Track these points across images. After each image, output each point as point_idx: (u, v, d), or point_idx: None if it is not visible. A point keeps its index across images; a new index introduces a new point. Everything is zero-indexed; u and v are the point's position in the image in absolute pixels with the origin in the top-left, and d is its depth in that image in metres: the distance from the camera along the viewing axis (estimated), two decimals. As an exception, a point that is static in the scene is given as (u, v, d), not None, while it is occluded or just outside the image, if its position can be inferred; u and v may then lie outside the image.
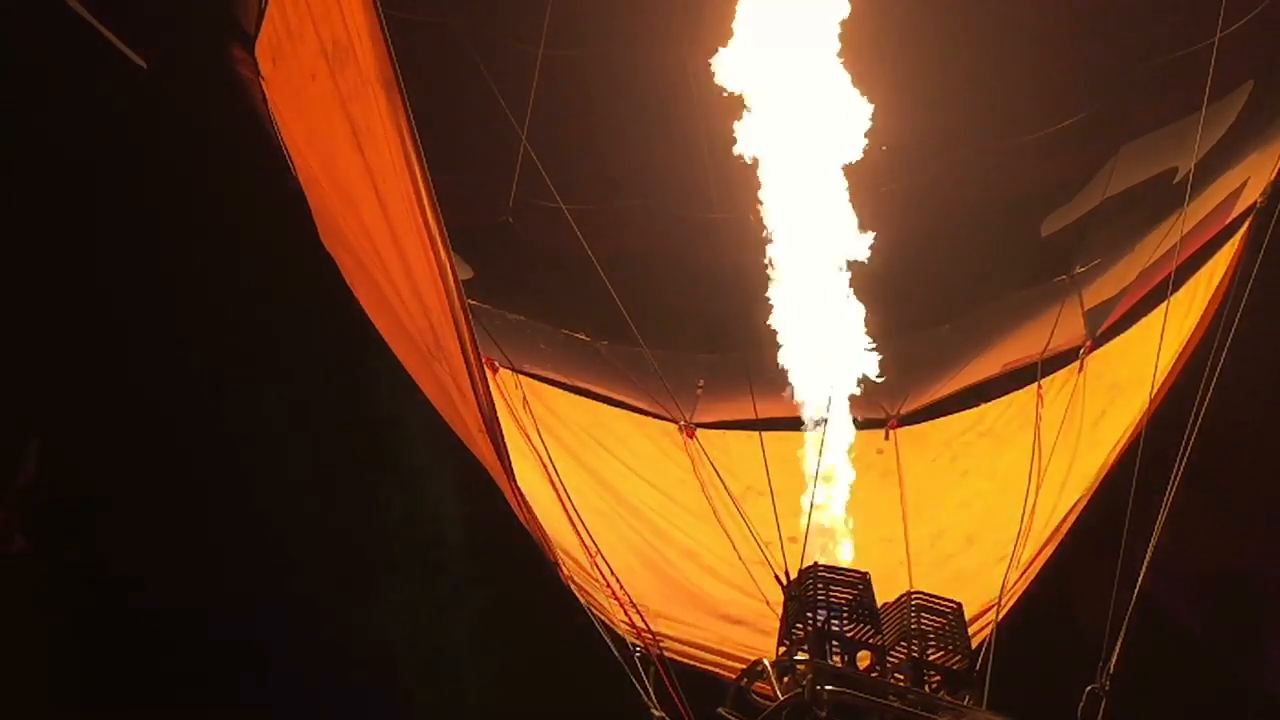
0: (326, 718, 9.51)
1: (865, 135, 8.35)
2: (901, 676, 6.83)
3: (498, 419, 7.18)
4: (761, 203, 8.36)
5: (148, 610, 9.17)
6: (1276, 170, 7.85)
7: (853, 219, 8.29)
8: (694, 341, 9.31)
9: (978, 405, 9.34)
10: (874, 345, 8.30)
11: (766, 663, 6.88)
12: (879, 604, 6.95)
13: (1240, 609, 10.59)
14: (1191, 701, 10.08)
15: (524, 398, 8.44)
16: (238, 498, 9.53)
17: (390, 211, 6.78)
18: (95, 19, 7.68)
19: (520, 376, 8.72)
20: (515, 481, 7.35)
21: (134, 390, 9.26)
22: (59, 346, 9.06)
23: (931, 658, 6.83)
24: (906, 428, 9.39)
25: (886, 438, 9.31)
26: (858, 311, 8.24)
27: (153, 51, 7.76)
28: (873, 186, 8.42)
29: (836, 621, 6.81)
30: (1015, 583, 7.87)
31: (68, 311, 9.12)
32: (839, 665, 6.78)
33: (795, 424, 8.25)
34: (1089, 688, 6.96)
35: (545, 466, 7.76)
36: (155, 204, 9.03)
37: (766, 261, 8.30)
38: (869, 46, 8.38)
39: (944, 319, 9.44)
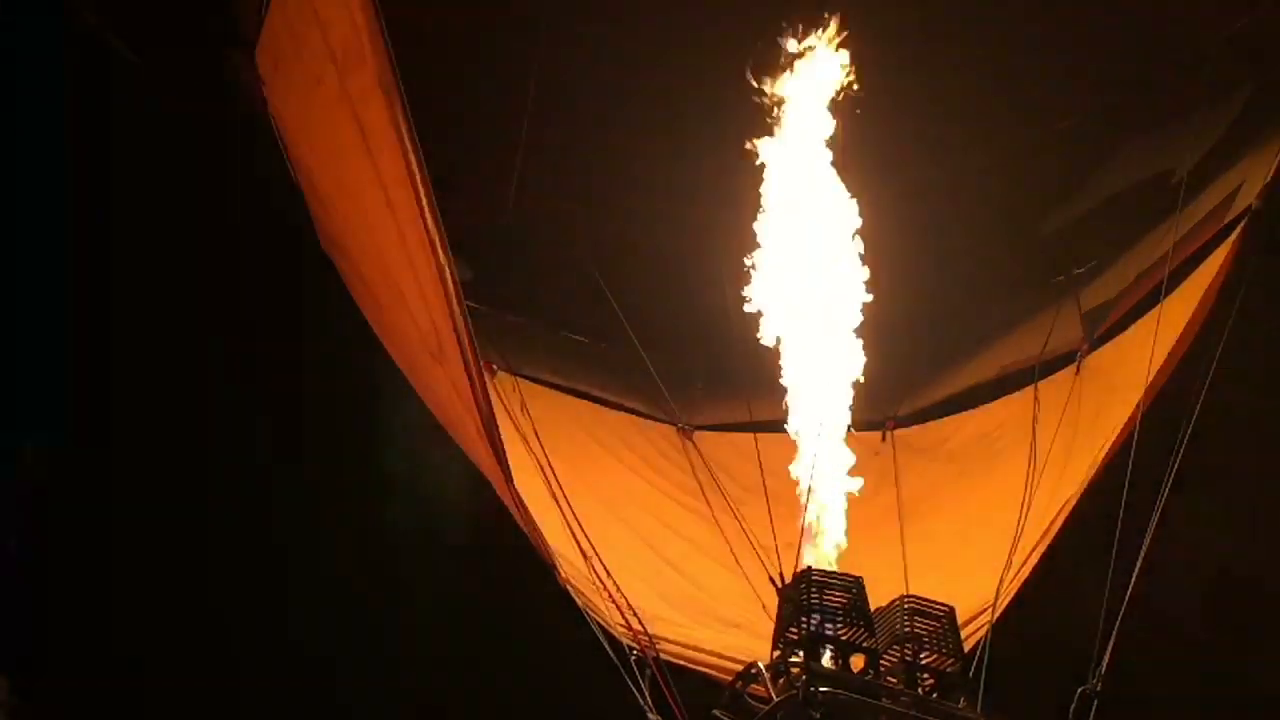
0: (322, 716, 9.54)
1: (863, 137, 8.36)
2: (895, 680, 6.86)
3: (496, 422, 7.21)
4: (759, 203, 8.39)
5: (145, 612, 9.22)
6: (1272, 173, 7.84)
7: (850, 220, 8.30)
8: (693, 343, 9.34)
9: (974, 408, 9.35)
10: (871, 346, 8.31)
11: (761, 665, 6.91)
12: (873, 607, 6.97)
13: (1240, 609, 10.57)
14: (1191, 701, 10.08)
15: (522, 400, 8.45)
16: (236, 502, 9.57)
17: (399, 214, 6.82)
18: (96, 21, 7.72)
19: (519, 379, 8.74)
20: (513, 484, 7.38)
21: (131, 392, 9.30)
22: (56, 347, 9.11)
23: (925, 661, 6.85)
24: (903, 430, 9.42)
25: (883, 440, 9.34)
26: (856, 312, 8.25)
27: (153, 55, 7.80)
28: (871, 188, 8.43)
29: (830, 625, 6.83)
30: (1009, 583, 7.88)
31: (64, 312, 9.16)
32: (833, 668, 6.80)
33: (793, 426, 8.27)
34: (1080, 689, 6.99)
35: (543, 469, 7.77)
36: (155, 205, 9.06)
37: (764, 262, 8.32)
38: (869, 47, 8.40)
39: (941, 320, 9.46)
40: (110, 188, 8.92)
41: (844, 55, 8.35)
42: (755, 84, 8.40)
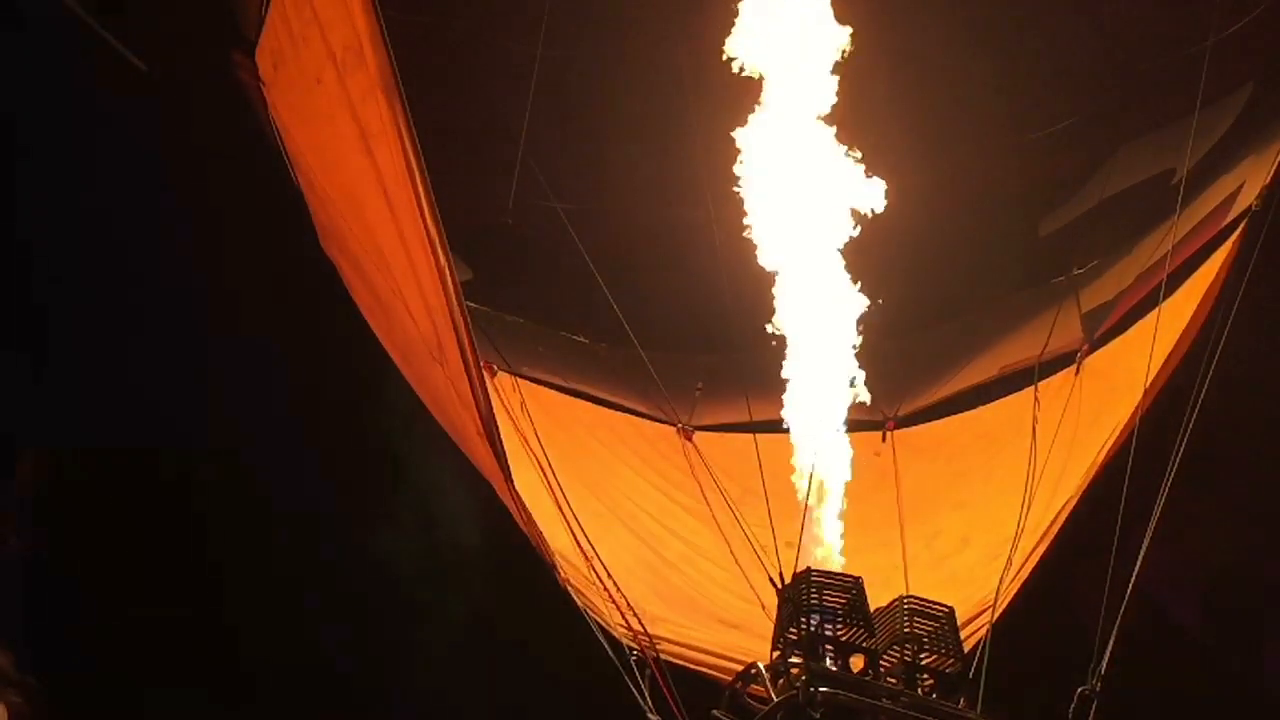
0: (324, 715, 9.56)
1: (862, 135, 8.36)
2: (895, 680, 6.86)
3: (495, 422, 7.22)
4: (758, 204, 8.38)
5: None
6: (1271, 174, 7.84)
7: (850, 220, 8.30)
8: (692, 344, 9.34)
9: (975, 408, 9.35)
10: (871, 347, 8.31)
11: (760, 665, 6.91)
12: (873, 607, 6.97)
13: (1240, 609, 10.58)
14: (1192, 702, 10.08)
15: (522, 401, 8.46)
16: (239, 501, 9.58)
17: (399, 214, 6.83)
18: (96, 23, 7.72)
19: (518, 379, 8.74)
20: (513, 485, 7.38)
21: (133, 392, 9.30)
22: (57, 346, 9.12)
23: (924, 661, 6.85)
24: (904, 430, 9.41)
25: (884, 440, 9.32)
26: (855, 313, 8.25)
27: (153, 55, 7.80)
28: (871, 187, 8.43)
29: (830, 625, 6.83)
30: (1009, 584, 7.88)
31: (64, 312, 9.17)
32: (832, 668, 6.80)
33: (793, 426, 8.27)
34: (1079, 690, 6.99)
35: (543, 470, 7.78)
36: (156, 207, 9.07)
37: (763, 264, 8.32)
38: (867, 45, 8.40)
39: (941, 320, 9.46)
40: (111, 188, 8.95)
41: (843, 53, 8.33)
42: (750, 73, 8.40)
